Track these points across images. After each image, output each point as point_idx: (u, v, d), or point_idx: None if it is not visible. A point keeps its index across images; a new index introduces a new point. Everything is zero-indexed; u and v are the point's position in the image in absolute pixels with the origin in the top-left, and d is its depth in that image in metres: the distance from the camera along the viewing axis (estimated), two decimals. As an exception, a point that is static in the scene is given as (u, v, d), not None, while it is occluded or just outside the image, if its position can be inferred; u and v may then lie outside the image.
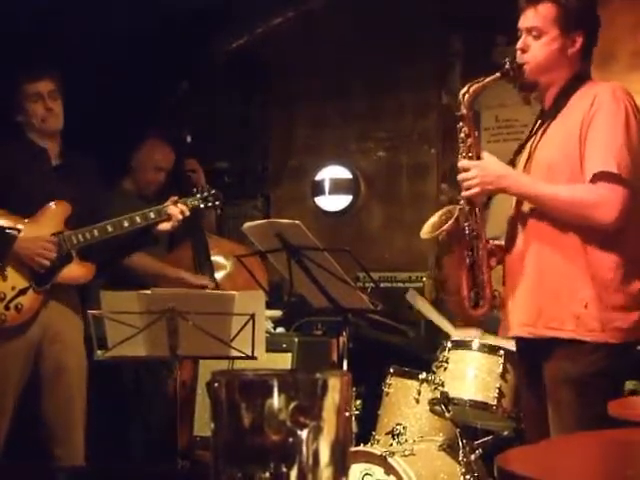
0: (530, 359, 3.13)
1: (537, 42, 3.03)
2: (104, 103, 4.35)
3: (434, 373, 3.93)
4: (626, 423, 2.06)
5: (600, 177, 2.89)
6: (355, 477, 3.77)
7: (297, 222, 3.83)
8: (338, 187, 6.31)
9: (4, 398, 4.07)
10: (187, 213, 4.23)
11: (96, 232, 4.10)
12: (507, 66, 3.04)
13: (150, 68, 5.46)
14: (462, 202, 3.10)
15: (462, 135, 3.09)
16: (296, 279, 3.93)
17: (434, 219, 3.17)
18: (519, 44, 3.07)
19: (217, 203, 4.42)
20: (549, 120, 3.08)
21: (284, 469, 1.14)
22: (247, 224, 4.03)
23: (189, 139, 5.45)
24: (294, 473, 1.14)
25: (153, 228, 4.20)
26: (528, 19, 3.05)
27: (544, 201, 2.97)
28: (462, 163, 3.07)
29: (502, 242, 3.23)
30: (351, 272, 4.18)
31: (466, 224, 3.10)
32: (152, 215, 4.17)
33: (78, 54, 4.34)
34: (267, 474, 1.14)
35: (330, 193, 6.31)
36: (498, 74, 3.05)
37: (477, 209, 3.10)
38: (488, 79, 3.06)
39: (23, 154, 4.21)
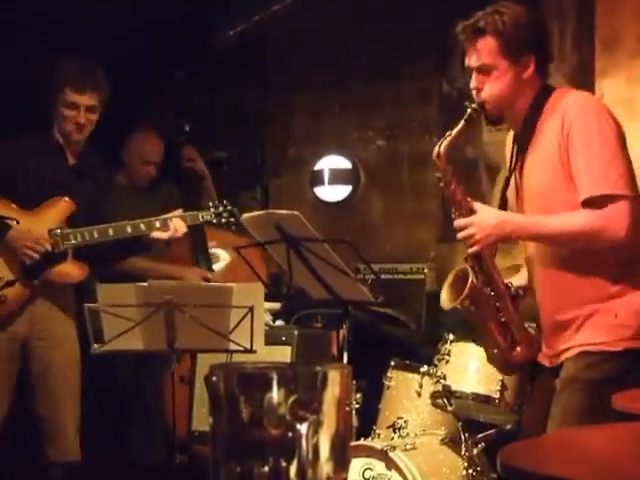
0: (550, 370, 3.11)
1: (490, 78, 2.99)
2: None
3: (436, 366, 3.92)
4: (633, 417, 2.04)
5: (593, 201, 2.85)
6: (356, 472, 3.77)
7: (296, 213, 3.82)
8: (337, 177, 6.29)
9: None
10: (184, 230, 4.16)
11: (96, 234, 4.07)
12: (469, 110, 3.01)
13: (147, 57, 5.44)
14: (469, 259, 3.06)
15: (448, 194, 3.05)
16: (295, 271, 3.92)
17: (448, 285, 3.12)
18: (472, 84, 3.03)
19: (232, 220, 4.33)
20: (525, 145, 3.05)
21: (283, 463, 1.13)
22: (245, 215, 4.01)
23: (187, 128, 5.41)
24: (294, 468, 1.13)
25: (145, 238, 4.17)
26: (473, 59, 3.01)
27: (550, 238, 2.96)
28: (457, 222, 3.02)
29: (521, 281, 3.21)
30: (351, 263, 4.15)
31: (481, 279, 3.05)
32: (157, 224, 4.14)
33: (74, 42, 4.31)
34: (266, 468, 1.12)
35: (329, 183, 6.30)
36: (463, 122, 3.01)
37: (487, 260, 3.06)
38: (455, 131, 3.01)
39: (41, 148, 4.18)
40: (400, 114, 6.16)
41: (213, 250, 5.22)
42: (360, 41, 6.16)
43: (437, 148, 3.02)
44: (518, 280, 3.21)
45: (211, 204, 4.34)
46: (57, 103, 4.13)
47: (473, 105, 3.01)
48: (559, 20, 5.29)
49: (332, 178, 6.28)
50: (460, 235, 3.00)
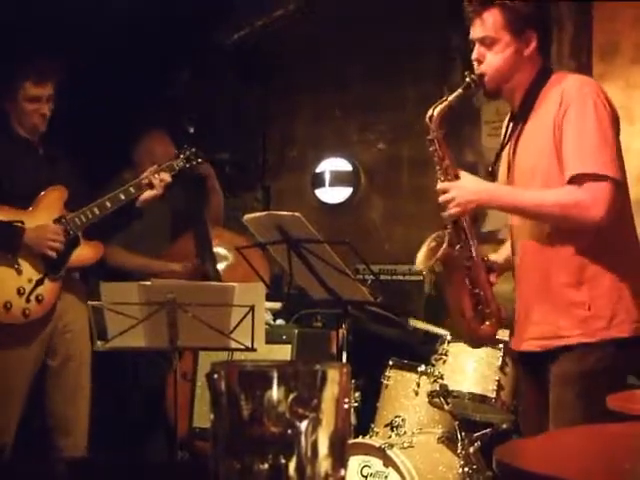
0: (534, 364, 3.11)
1: (491, 51, 3.00)
2: (105, 93, 4.34)
3: (433, 366, 3.93)
4: (625, 417, 2.07)
5: (579, 179, 2.85)
6: (354, 469, 3.78)
7: (297, 214, 3.83)
8: (338, 179, 6.30)
9: (18, 393, 4.08)
10: (168, 179, 4.25)
11: (97, 210, 4.10)
12: (467, 80, 3.01)
13: (151, 58, 5.45)
14: (449, 225, 3.07)
15: (436, 159, 3.06)
16: (296, 271, 3.93)
17: (425, 248, 3.13)
18: (474, 55, 3.04)
19: (200, 160, 4.49)
20: (521, 123, 3.05)
21: (283, 460, 1.14)
22: (247, 216, 4.03)
23: (192, 130, 5.42)
24: (293, 464, 1.14)
25: (134, 206, 4.21)
26: (477, 30, 3.02)
27: (528, 210, 2.96)
28: (440, 185, 3.03)
29: (500, 254, 3.23)
30: (351, 264, 4.18)
31: (457, 246, 3.06)
32: (145, 182, 4.21)
33: (79, 43, 4.33)
34: (266, 465, 1.14)
35: (330, 185, 6.31)
36: (460, 90, 3.01)
37: (465, 229, 3.07)
38: (451, 97, 3.01)
39: (9, 146, 4.18)
40: (401, 118, 6.17)
41: (215, 249, 5.24)
42: (362, 44, 6.16)
43: (431, 111, 3.02)
44: (497, 256, 3.22)
45: (178, 151, 4.49)
46: (17, 100, 4.13)
47: (472, 76, 3.01)
48: (557, 26, 5.29)
49: (333, 180, 6.30)
50: (442, 198, 3.01)
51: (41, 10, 4.97)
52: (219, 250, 5.26)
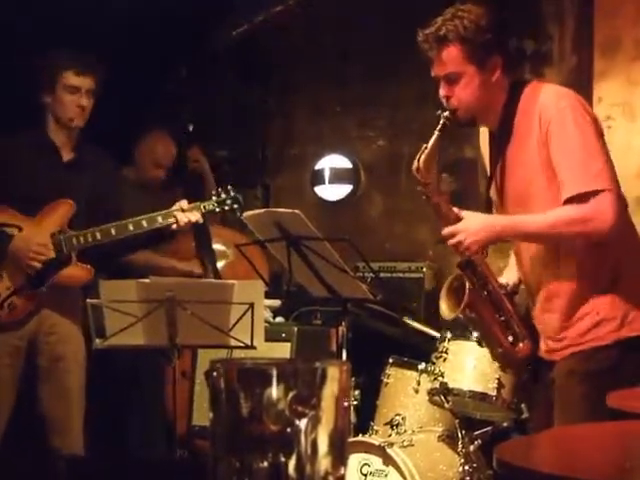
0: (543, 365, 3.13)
1: (458, 85, 2.96)
2: (103, 90, 4.33)
3: (433, 364, 3.92)
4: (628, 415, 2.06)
5: (577, 198, 2.83)
6: (353, 467, 3.78)
7: (296, 211, 3.83)
8: (338, 176, 6.29)
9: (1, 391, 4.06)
10: (199, 220, 4.12)
11: (98, 235, 4.01)
12: (442, 120, 2.97)
13: (149, 55, 5.44)
14: (462, 267, 3.05)
15: (433, 207, 3.04)
16: (295, 268, 3.93)
17: (445, 294, 3.12)
18: (442, 92, 3.00)
19: (236, 207, 4.24)
20: (503, 145, 3.02)
21: (282, 458, 1.14)
22: (247, 213, 4.02)
23: (191, 128, 5.42)
24: (292, 462, 1.14)
25: (165, 230, 4.13)
26: (439, 68, 2.99)
27: (537, 236, 2.95)
28: (445, 231, 3.00)
29: (510, 273, 3.23)
30: (351, 262, 4.17)
31: (477, 284, 3.05)
32: (159, 219, 4.07)
33: (77, 39, 4.31)
34: (265, 463, 1.13)
35: (330, 182, 6.30)
36: (437, 132, 2.97)
37: (480, 265, 3.05)
38: (431, 143, 2.98)
39: (32, 147, 4.15)
40: (401, 114, 6.16)
41: (215, 246, 5.23)
42: (361, 41, 6.15)
43: (416, 162, 3.00)
44: (510, 275, 3.22)
45: (213, 192, 4.26)
46: (55, 91, 4.09)
47: (445, 114, 2.97)
48: (558, 23, 5.29)
49: (333, 177, 6.28)
50: (449, 243, 2.98)
51: (39, 9, 4.96)
52: (219, 247, 5.26)
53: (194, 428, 4.64)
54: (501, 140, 3.03)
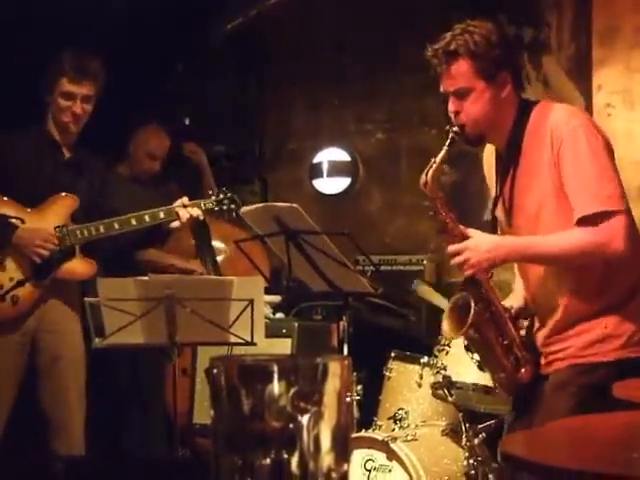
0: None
1: (467, 100, 2.93)
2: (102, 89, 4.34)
3: (436, 357, 3.92)
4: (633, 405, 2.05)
5: (589, 219, 2.80)
6: (357, 463, 3.78)
7: (295, 205, 3.82)
8: (336, 170, 6.29)
9: (0, 389, 4.05)
10: (200, 216, 4.16)
11: (102, 228, 4.06)
12: (450, 135, 2.94)
13: (146, 51, 5.44)
14: (466, 285, 3.02)
15: (439, 222, 3.00)
16: (295, 263, 3.92)
17: (447, 314, 3.07)
18: (450, 108, 2.96)
19: (232, 207, 4.29)
20: (512, 165, 2.98)
21: (285, 455, 1.13)
22: (245, 208, 4.02)
23: (187, 122, 5.42)
24: (295, 459, 1.13)
25: (164, 226, 4.15)
26: (448, 83, 2.94)
27: (547, 259, 2.91)
28: (451, 248, 2.95)
29: (516, 297, 3.18)
30: (351, 256, 4.15)
31: (481, 305, 3.00)
32: (162, 215, 4.13)
33: (74, 36, 4.31)
34: (268, 460, 1.12)
35: (328, 176, 6.30)
36: (446, 148, 2.93)
37: (484, 285, 3.01)
38: (439, 158, 2.94)
39: (36, 145, 4.17)
40: (399, 107, 6.16)
41: (213, 242, 5.22)
42: (359, 34, 6.15)
43: (424, 177, 2.95)
44: (516, 299, 3.17)
45: (211, 192, 4.34)
46: (53, 94, 4.12)
47: (454, 129, 2.94)
48: (557, 11, 5.28)
49: (331, 171, 6.28)
50: (455, 261, 2.93)
51: (38, 7, 4.95)
52: (217, 243, 5.25)
53: (195, 426, 4.63)
54: (509, 160, 2.99)
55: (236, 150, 6.44)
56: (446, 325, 3.08)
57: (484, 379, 3.74)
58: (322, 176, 6.31)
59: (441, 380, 3.82)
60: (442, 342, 3.90)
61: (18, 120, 4.21)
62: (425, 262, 5.57)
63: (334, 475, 1.16)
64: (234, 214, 4.33)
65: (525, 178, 2.95)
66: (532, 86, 5.50)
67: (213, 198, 4.27)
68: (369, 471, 3.78)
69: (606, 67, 5.10)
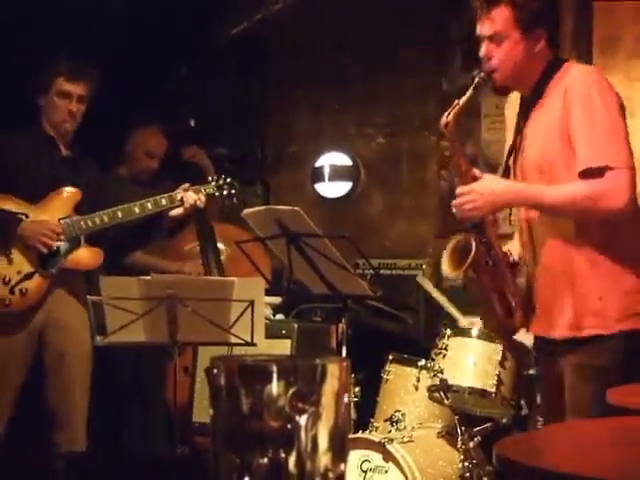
0: (548, 354, 3.12)
1: (500, 47, 2.98)
2: (103, 88, 4.33)
3: (433, 360, 3.92)
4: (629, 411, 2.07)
5: (594, 172, 2.84)
6: (353, 464, 3.78)
7: (296, 208, 3.83)
8: (338, 174, 6.31)
9: (6, 384, 4.07)
10: (202, 200, 4.22)
11: (105, 218, 4.09)
12: (478, 79, 2.99)
13: (149, 53, 5.45)
14: (469, 226, 3.05)
15: (454, 164, 3.06)
16: (295, 265, 3.93)
17: (447, 254, 3.11)
18: (482, 52, 3.01)
19: (233, 192, 4.40)
20: (529, 118, 3.04)
21: (283, 455, 1.14)
22: (247, 210, 4.03)
23: (192, 123, 5.43)
24: (293, 459, 1.14)
25: (165, 216, 4.20)
26: (485, 27, 2.99)
27: (549, 207, 2.94)
28: (460, 189, 3.01)
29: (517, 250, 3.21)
30: (350, 259, 4.17)
31: (482, 248, 3.04)
32: (164, 202, 4.18)
33: (77, 38, 4.33)
34: (265, 460, 1.14)
35: (330, 180, 6.32)
36: (471, 90, 3.00)
37: (487, 229, 3.06)
38: (464, 99, 3.00)
39: (35, 142, 4.20)
40: (400, 112, 6.18)
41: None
42: (360, 38, 6.16)
43: (445, 117, 3.01)
44: (514, 248, 3.20)
45: (210, 178, 4.40)
46: (49, 93, 4.16)
47: (482, 74, 3.00)
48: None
49: (332, 174, 6.30)
50: (462, 200, 2.98)
51: (40, 7, 4.96)
52: (219, 245, 5.26)
53: (195, 425, 4.64)
54: (528, 108, 3.04)
55: (239, 153, 6.45)
56: (445, 263, 3.11)
57: (480, 383, 3.77)
58: (324, 180, 6.33)
59: (438, 383, 3.83)
60: (440, 346, 3.92)
61: (18, 120, 4.24)
62: (424, 266, 5.59)
63: (331, 475, 1.18)
64: (235, 200, 4.43)
65: (535, 130, 3.01)
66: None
67: (213, 184, 4.35)
68: (365, 472, 3.79)
69: (606, 76, 5.11)
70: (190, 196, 4.18)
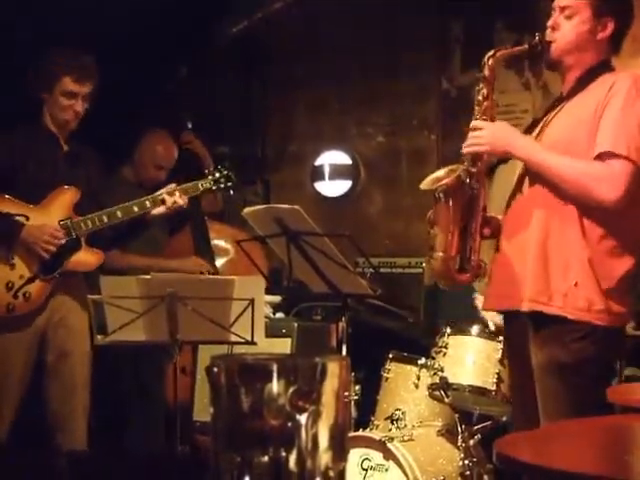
0: (515, 334, 3.11)
1: (568, 22, 3.01)
2: (102, 87, 4.33)
3: (433, 358, 3.93)
4: (624, 409, 2.07)
5: (607, 156, 2.87)
6: (354, 462, 3.78)
7: (297, 207, 3.83)
8: (337, 172, 6.31)
9: (10, 386, 4.08)
10: (185, 204, 4.24)
11: (105, 218, 4.09)
12: (536, 40, 3.02)
13: (150, 53, 5.45)
14: (467, 161, 3.08)
15: (480, 97, 3.08)
16: (295, 264, 3.93)
17: (438, 173, 3.13)
18: (550, 21, 3.05)
19: (229, 184, 4.40)
20: (565, 102, 3.07)
21: (283, 453, 1.15)
22: (247, 209, 4.02)
23: (190, 125, 5.42)
24: (293, 457, 1.15)
25: (147, 214, 4.22)
26: None
27: (549, 167, 2.94)
28: (475, 123, 3.06)
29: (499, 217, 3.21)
30: (350, 257, 4.17)
31: (467, 182, 3.06)
32: (147, 204, 4.20)
33: (77, 38, 4.32)
34: (266, 458, 1.14)
35: (330, 178, 6.32)
36: (526, 46, 3.05)
37: (481, 172, 3.07)
38: (516, 48, 3.07)
39: (35, 138, 4.19)
40: (399, 111, 6.18)
41: (216, 242, 5.23)
42: (360, 38, 6.16)
43: (493, 51, 3.06)
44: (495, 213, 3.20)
45: (207, 171, 4.40)
46: (53, 91, 4.14)
47: (542, 39, 3.02)
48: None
49: (332, 173, 6.31)
50: (471, 134, 3.03)
51: (39, 7, 4.96)
52: (219, 243, 5.26)
53: (195, 423, 4.64)
54: (566, 97, 3.06)
55: (239, 152, 6.44)
56: (430, 177, 3.12)
57: (480, 381, 3.78)
58: (324, 179, 6.34)
59: (438, 381, 3.84)
60: (440, 344, 3.93)
61: (18, 120, 4.24)
62: (424, 264, 5.59)
63: (331, 473, 1.18)
64: (232, 192, 4.45)
65: (566, 115, 3.03)
66: (532, 93, 5.53)
67: (210, 178, 4.35)
68: (366, 470, 3.79)
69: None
70: (169, 199, 4.19)
